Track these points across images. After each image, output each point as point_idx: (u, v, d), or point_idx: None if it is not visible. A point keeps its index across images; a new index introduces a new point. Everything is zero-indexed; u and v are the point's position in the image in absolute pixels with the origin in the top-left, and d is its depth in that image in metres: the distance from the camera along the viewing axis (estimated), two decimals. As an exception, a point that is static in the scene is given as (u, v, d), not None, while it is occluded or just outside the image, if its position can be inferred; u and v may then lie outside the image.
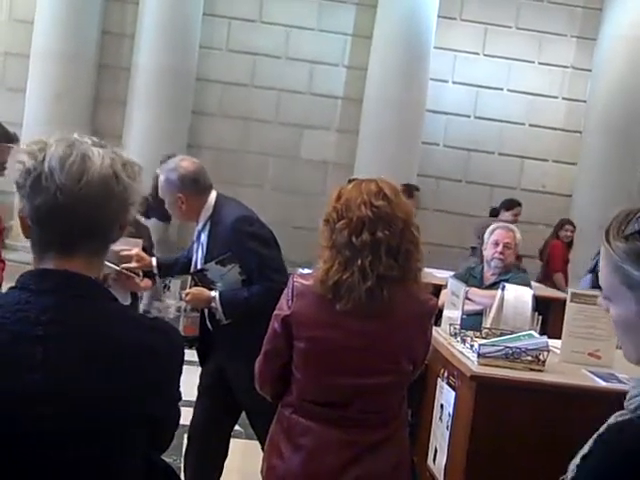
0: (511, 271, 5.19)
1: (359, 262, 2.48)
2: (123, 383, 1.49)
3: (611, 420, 1.38)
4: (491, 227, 5.38)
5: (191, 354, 1.64)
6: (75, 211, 1.49)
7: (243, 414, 5.73)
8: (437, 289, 4.60)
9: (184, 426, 1.72)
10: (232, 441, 4.51)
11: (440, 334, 3.29)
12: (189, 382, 1.74)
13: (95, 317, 1.51)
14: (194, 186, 3.82)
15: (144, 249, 4.15)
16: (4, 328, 1.46)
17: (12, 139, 4.40)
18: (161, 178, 3.87)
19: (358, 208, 2.52)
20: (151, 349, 1.54)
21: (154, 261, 4.17)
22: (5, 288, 1.61)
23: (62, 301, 1.49)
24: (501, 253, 5.15)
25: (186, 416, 1.76)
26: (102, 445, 1.48)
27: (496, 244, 5.19)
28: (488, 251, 5.22)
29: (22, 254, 9.24)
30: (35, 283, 1.51)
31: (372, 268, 2.47)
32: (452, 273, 5.42)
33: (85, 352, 1.47)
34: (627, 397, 1.39)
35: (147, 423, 1.54)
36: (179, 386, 1.63)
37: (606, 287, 1.38)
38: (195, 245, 3.95)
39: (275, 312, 2.65)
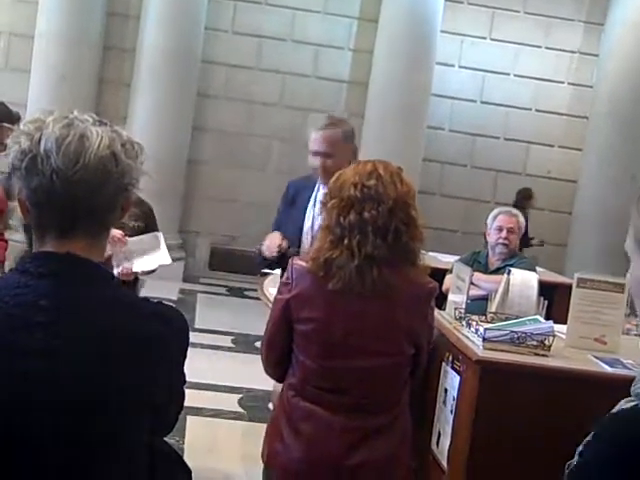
0: (516, 256, 5.18)
1: (347, 241, 2.50)
2: (124, 370, 1.46)
3: (618, 406, 1.39)
4: (494, 212, 5.37)
5: (193, 336, 1.62)
6: (72, 194, 1.46)
7: (247, 395, 5.75)
8: (442, 273, 4.59)
9: (185, 408, 1.70)
10: (234, 423, 4.53)
11: (445, 318, 3.28)
12: (192, 364, 1.72)
13: (96, 302, 1.48)
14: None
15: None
16: (3, 312, 1.43)
17: (15, 119, 4.37)
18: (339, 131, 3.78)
19: (348, 189, 2.55)
20: (153, 336, 1.51)
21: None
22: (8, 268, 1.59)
23: (62, 285, 1.46)
24: (505, 238, 5.14)
25: (189, 398, 1.74)
26: (102, 432, 1.46)
27: (500, 229, 5.18)
28: (492, 237, 5.22)
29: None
30: (35, 266, 1.47)
31: (360, 247, 2.49)
32: (457, 257, 5.40)
33: (85, 337, 1.44)
34: (634, 382, 1.38)
35: (148, 410, 1.52)
36: (183, 371, 1.61)
37: (629, 249, 1.42)
38: (313, 208, 3.80)
39: (277, 296, 2.66)
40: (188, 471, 1.73)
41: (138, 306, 1.55)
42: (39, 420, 1.42)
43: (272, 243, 3.74)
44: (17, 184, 1.50)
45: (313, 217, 3.78)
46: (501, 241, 5.15)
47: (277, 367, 2.72)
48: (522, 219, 5.29)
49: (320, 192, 3.68)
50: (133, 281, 4.07)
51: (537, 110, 10.76)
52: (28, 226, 1.56)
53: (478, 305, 3.87)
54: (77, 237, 1.50)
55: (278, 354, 2.68)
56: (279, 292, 2.66)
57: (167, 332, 1.53)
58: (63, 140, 1.45)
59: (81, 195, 1.46)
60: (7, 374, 1.41)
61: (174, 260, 9.78)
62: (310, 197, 3.86)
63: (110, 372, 1.45)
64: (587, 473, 1.28)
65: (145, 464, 1.57)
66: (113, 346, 1.46)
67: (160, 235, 4.03)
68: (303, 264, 2.59)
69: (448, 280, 4.35)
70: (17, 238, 9.10)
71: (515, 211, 5.44)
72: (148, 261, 3.93)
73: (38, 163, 1.44)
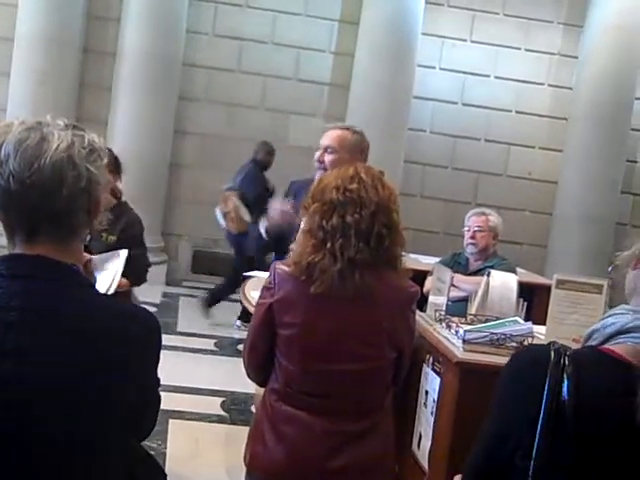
0: (496, 257, 5.20)
1: (329, 245, 2.50)
2: (97, 370, 1.46)
3: None
4: (468, 214, 5.40)
5: (167, 339, 1.63)
6: (27, 197, 1.46)
7: (230, 398, 5.75)
8: (423, 275, 4.60)
9: (167, 411, 1.70)
10: (217, 426, 4.52)
11: (425, 320, 3.29)
12: (167, 367, 1.72)
13: (67, 303, 1.49)
14: None
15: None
16: None
17: None
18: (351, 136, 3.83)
19: (330, 192, 2.55)
20: (125, 336, 1.51)
21: None
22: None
23: (34, 286, 1.47)
24: (472, 237, 5.18)
25: (167, 401, 1.74)
26: (77, 433, 1.45)
27: (468, 230, 5.23)
28: (465, 239, 5.26)
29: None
30: (7, 268, 1.49)
31: (342, 251, 2.49)
32: (438, 259, 5.43)
33: (57, 339, 1.45)
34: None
35: (122, 411, 1.52)
36: (157, 372, 1.62)
37: None
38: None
39: (259, 301, 2.66)
40: (164, 475, 1.74)
41: (109, 307, 1.56)
42: (11, 421, 1.41)
43: (279, 206, 3.77)
44: None
45: None
46: (469, 241, 5.19)
47: (259, 371, 2.71)
48: (494, 218, 5.30)
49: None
50: (126, 291, 3.93)
51: (517, 112, 10.81)
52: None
53: (459, 306, 3.89)
54: (42, 240, 1.51)
55: (260, 358, 2.68)
56: (261, 296, 2.65)
57: (139, 332, 1.54)
58: (21, 144, 1.46)
59: (37, 198, 1.46)
60: None
61: (157, 264, 9.72)
62: None
63: (81, 373, 1.45)
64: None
65: (123, 468, 1.57)
66: (84, 347, 1.46)
67: (122, 255, 3.60)
68: (285, 268, 2.59)
69: (429, 282, 4.36)
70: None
71: (488, 211, 5.46)
72: (104, 282, 3.58)
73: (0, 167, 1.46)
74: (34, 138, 1.47)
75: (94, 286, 1.59)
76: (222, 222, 8.00)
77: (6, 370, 1.41)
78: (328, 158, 3.74)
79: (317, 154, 3.83)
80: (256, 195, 7.83)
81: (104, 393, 1.48)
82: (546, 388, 1.61)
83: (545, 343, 1.74)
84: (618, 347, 1.68)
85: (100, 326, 1.49)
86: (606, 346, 1.71)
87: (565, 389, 1.60)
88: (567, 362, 1.64)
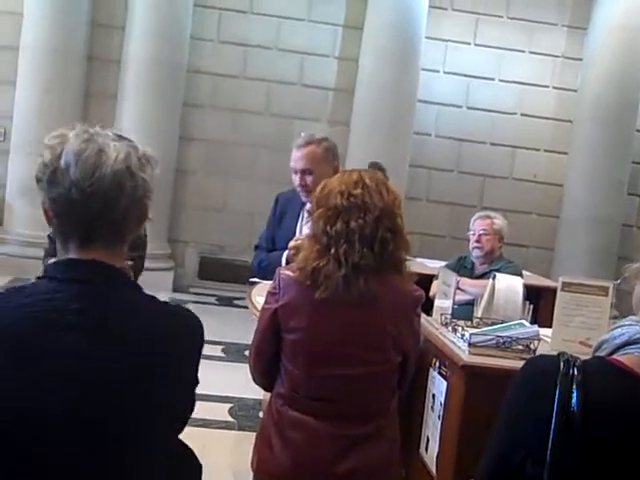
0: (502, 260, 5.20)
1: (334, 250, 2.51)
2: (147, 370, 1.55)
3: None
4: (472, 218, 5.40)
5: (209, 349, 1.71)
6: (88, 206, 1.54)
7: (238, 404, 5.76)
8: (429, 279, 4.61)
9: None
10: (225, 432, 4.52)
11: (431, 324, 3.30)
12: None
13: (121, 305, 1.57)
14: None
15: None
16: (34, 316, 1.50)
17: None
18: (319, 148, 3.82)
19: (335, 197, 2.57)
20: (174, 336, 1.61)
21: None
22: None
23: (89, 290, 1.55)
24: (477, 241, 5.18)
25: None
26: (126, 430, 1.54)
27: (473, 234, 5.23)
28: (470, 242, 5.26)
29: (12, 247, 9.24)
30: (62, 273, 1.56)
31: (347, 257, 2.50)
32: (444, 263, 5.43)
33: (111, 340, 1.53)
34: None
35: (166, 408, 1.60)
36: (197, 370, 1.69)
37: None
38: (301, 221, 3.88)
39: (264, 306, 2.67)
40: (199, 466, 1.82)
41: (159, 308, 1.64)
42: (70, 420, 1.49)
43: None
44: (40, 194, 1.59)
45: (302, 231, 3.81)
46: (474, 245, 5.19)
47: (265, 376, 2.73)
48: (499, 221, 5.30)
49: (306, 208, 3.72)
50: None
51: (522, 114, 10.80)
52: (52, 237, 1.69)
53: (465, 310, 3.89)
54: (97, 246, 1.58)
55: (266, 363, 2.69)
56: (266, 302, 2.66)
57: (187, 333, 1.64)
58: (81, 154, 1.54)
59: (97, 206, 1.54)
60: (38, 376, 1.48)
61: (163, 270, 9.77)
62: (300, 212, 3.90)
63: (134, 373, 1.54)
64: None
65: (163, 461, 1.64)
66: (137, 347, 1.55)
67: None
68: (290, 274, 2.60)
69: (435, 286, 4.36)
70: (5, 250, 9.04)
71: (493, 214, 5.46)
72: None
73: (58, 175, 1.54)
74: (93, 149, 1.55)
75: (140, 287, 1.66)
76: None
77: (65, 370, 1.49)
78: (309, 180, 3.76)
79: (295, 178, 3.85)
80: None
81: (153, 391, 1.56)
82: (556, 399, 1.63)
83: (555, 353, 1.75)
84: (626, 358, 1.70)
85: (151, 326, 1.58)
86: (615, 357, 1.73)
87: (575, 399, 1.62)
88: (576, 372, 1.66)
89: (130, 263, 2.00)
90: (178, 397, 1.63)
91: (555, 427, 1.62)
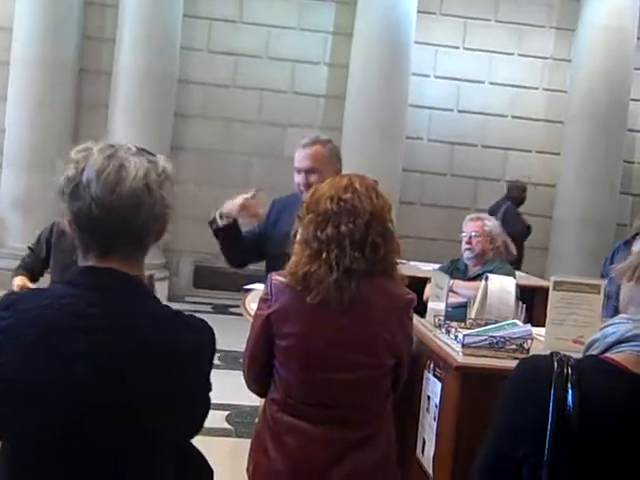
0: (494, 262, 5.20)
1: (325, 255, 2.52)
2: (159, 376, 1.59)
3: None
4: (465, 220, 5.42)
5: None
6: (108, 220, 1.59)
7: (235, 412, 5.75)
8: (422, 282, 4.62)
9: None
10: (223, 440, 4.52)
11: (425, 326, 3.31)
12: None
13: (136, 312, 1.62)
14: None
15: None
16: (53, 318, 1.56)
17: None
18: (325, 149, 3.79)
19: (325, 202, 2.57)
20: (188, 345, 1.65)
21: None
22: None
23: (107, 296, 1.60)
24: (468, 242, 5.19)
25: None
26: (135, 434, 1.58)
27: (465, 236, 5.25)
28: (462, 244, 5.28)
29: (8, 261, 9.23)
30: (81, 279, 1.63)
31: (338, 261, 2.50)
32: (438, 266, 5.45)
33: (125, 345, 1.58)
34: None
35: (178, 414, 1.64)
36: (209, 378, 1.72)
37: None
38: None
39: (256, 312, 2.67)
40: (211, 471, 1.86)
41: (173, 317, 1.68)
42: (81, 421, 1.54)
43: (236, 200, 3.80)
44: (63, 207, 1.64)
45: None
46: (465, 247, 5.21)
47: (259, 382, 2.72)
48: (490, 222, 5.32)
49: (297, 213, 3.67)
50: None
51: (513, 116, 10.85)
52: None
53: (458, 312, 3.90)
54: (114, 255, 1.64)
55: (259, 369, 2.69)
56: (259, 308, 2.66)
57: (199, 342, 1.68)
58: (103, 170, 1.59)
59: (116, 221, 1.60)
60: (57, 379, 1.53)
61: (158, 280, 9.72)
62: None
63: (147, 378, 1.58)
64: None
65: (173, 464, 1.70)
66: (151, 353, 1.60)
67: None
68: (282, 279, 2.61)
69: (429, 289, 4.38)
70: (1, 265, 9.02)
71: (483, 215, 5.47)
72: None
73: (80, 190, 1.59)
74: (114, 166, 1.60)
75: (155, 296, 1.71)
76: None
77: (80, 372, 1.54)
78: (313, 179, 3.68)
79: (299, 178, 3.78)
80: (517, 231, 8.07)
81: (165, 396, 1.60)
82: (551, 399, 1.64)
83: (547, 353, 1.76)
84: (619, 356, 1.71)
85: (165, 334, 1.63)
86: (607, 355, 1.74)
87: (570, 399, 1.63)
88: (570, 372, 1.67)
89: (150, 273, 2.06)
90: (193, 402, 1.68)
91: (551, 427, 1.62)
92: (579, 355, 1.81)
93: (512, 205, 9.27)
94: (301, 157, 3.80)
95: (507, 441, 1.74)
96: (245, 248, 4.03)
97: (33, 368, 1.53)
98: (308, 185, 3.65)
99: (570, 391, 1.64)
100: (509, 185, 9.65)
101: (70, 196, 1.61)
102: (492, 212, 8.76)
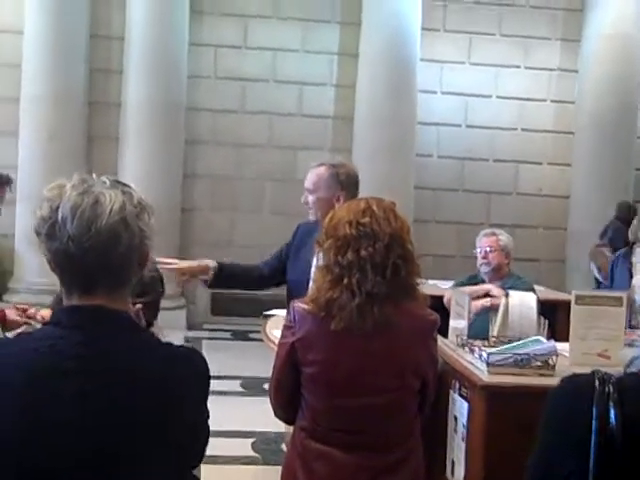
0: (512, 277, 5.21)
1: (346, 280, 2.52)
2: (150, 413, 1.56)
3: None
4: (478, 235, 5.46)
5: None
6: (86, 257, 1.56)
7: (260, 438, 5.73)
8: (442, 301, 4.61)
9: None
10: (249, 468, 4.50)
11: (447, 345, 3.30)
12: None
13: (124, 349, 1.59)
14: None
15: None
16: (40, 361, 1.54)
17: (4, 181, 4.42)
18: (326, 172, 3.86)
19: (344, 227, 2.58)
20: (177, 379, 1.62)
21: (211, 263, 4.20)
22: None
23: (91, 335, 1.57)
24: (484, 257, 5.23)
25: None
26: (137, 474, 1.55)
27: (480, 251, 5.28)
28: (478, 260, 5.31)
29: (24, 296, 9.26)
30: (66, 319, 1.60)
31: (360, 286, 2.51)
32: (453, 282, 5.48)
33: (115, 383, 1.55)
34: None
35: (174, 449, 1.61)
36: (206, 407, 1.71)
37: None
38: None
39: (281, 341, 2.67)
40: None
41: (162, 351, 1.66)
42: (68, 465, 1.51)
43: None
44: (41, 247, 1.61)
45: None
46: (481, 261, 5.24)
47: (287, 410, 2.72)
48: (504, 237, 5.34)
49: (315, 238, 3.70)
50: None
51: (522, 129, 10.84)
52: None
53: (480, 321, 3.93)
54: (98, 292, 1.61)
55: (286, 397, 2.69)
56: (283, 336, 2.67)
57: (190, 374, 1.66)
58: (77, 207, 1.56)
59: (95, 258, 1.57)
60: (41, 421, 1.51)
61: (176, 309, 9.74)
62: None
63: (137, 417, 1.55)
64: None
65: None
66: (140, 390, 1.56)
67: None
68: (304, 306, 2.60)
69: (448, 293, 4.48)
70: (17, 299, 9.05)
71: (498, 231, 5.50)
72: None
73: (56, 229, 1.56)
74: (88, 202, 1.56)
75: (145, 330, 1.71)
76: (597, 274, 8.11)
77: (67, 416, 1.51)
78: (310, 199, 3.86)
79: (302, 197, 3.96)
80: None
81: (157, 433, 1.57)
82: (594, 418, 1.65)
83: (589, 372, 1.77)
84: None
85: (154, 369, 1.60)
86: None
87: (612, 417, 1.65)
88: (612, 390, 1.68)
89: (138, 307, 2.03)
90: (186, 436, 1.63)
91: (595, 447, 1.64)
92: (611, 369, 1.81)
93: (622, 223, 9.27)
94: (306, 177, 3.97)
95: (552, 459, 1.74)
96: (252, 275, 4.25)
97: (21, 413, 1.50)
98: (306, 203, 3.89)
99: (612, 410, 1.65)
100: (617, 206, 9.73)
101: (46, 236, 1.58)
102: (606, 230, 9.24)
